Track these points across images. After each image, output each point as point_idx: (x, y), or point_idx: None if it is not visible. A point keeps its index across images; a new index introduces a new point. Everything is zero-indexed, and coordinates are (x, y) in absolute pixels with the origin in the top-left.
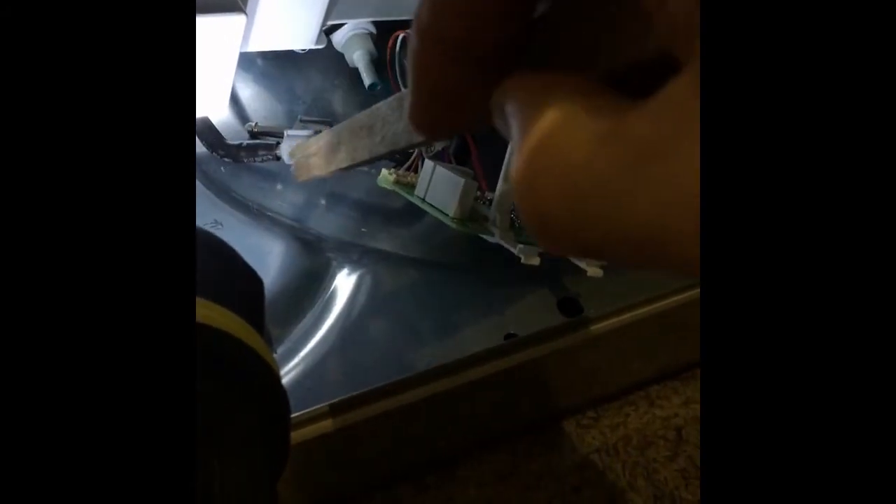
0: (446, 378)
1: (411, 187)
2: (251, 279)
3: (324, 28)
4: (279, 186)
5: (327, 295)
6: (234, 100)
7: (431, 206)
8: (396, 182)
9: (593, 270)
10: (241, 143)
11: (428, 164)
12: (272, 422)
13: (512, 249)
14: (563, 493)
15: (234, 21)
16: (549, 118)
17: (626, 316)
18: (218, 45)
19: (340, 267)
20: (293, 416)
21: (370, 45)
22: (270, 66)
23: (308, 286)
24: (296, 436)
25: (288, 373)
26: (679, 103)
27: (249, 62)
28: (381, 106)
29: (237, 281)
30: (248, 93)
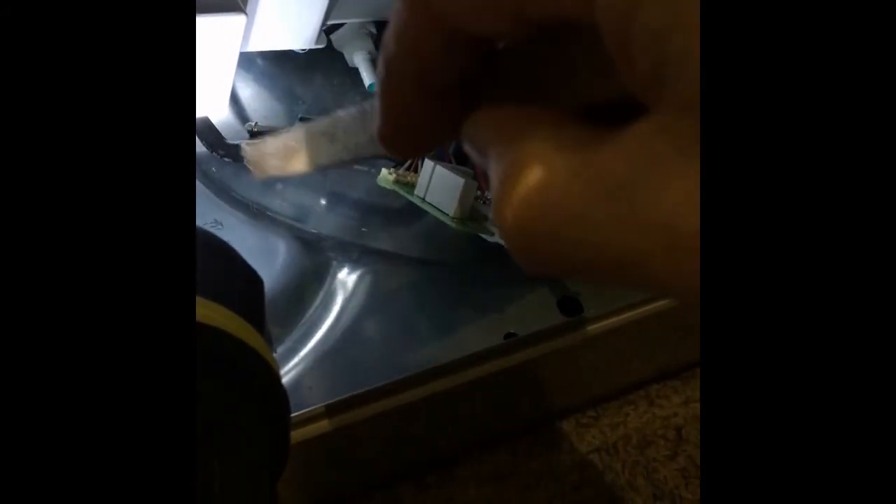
0: (446, 378)
1: (411, 187)
2: (251, 279)
3: (324, 28)
4: (279, 186)
5: (327, 294)
6: (234, 99)
7: (431, 205)
8: (396, 182)
9: None
10: (241, 143)
11: (428, 163)
12: (272, 422)
13: None
14: (563, 493)
15: (234, 21)
16: (527, 159)
17: (626, 315)
18: (218, 45)
19: (340, 266)
20: (293, 416)
21: (370, 45)
22: (270, 66)
23: (308, 286)
24: (296, 436)
25: (288, 373)
26: (647, 144)
27: (249, 62)
28: (343, 115)
29: (237, 281)
30: (248, 93)
